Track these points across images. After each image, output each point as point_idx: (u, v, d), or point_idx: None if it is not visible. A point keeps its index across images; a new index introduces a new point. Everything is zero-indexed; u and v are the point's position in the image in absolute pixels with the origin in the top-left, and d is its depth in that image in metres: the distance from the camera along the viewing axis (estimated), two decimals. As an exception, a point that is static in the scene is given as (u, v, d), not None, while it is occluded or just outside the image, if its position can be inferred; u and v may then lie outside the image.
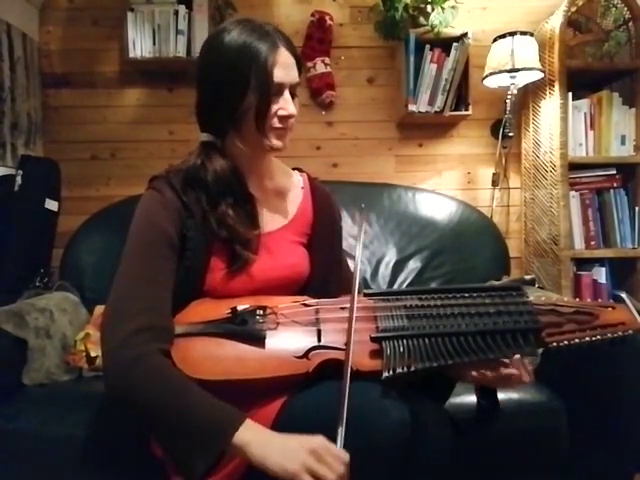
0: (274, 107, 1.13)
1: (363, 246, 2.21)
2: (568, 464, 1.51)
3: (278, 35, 1.13)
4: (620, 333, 1.05)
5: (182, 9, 2.38)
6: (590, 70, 2.42)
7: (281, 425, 0.99)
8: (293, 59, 1.14)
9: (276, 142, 1.18)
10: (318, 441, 0.89)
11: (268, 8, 2.56)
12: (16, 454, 1.47)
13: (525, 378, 1.03)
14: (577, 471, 1.54)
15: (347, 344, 1.00)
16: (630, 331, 1.06)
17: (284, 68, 1.12)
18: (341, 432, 0.89)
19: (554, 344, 1.04)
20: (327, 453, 0.88)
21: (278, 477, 0.88)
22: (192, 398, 0.96)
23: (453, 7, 2.40)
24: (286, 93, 1.13)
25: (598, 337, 1.05)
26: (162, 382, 0.97)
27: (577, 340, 1.05)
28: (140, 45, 2.39)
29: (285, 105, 1.13)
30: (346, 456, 0.88)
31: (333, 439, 0.89)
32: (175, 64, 2.43)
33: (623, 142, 2.39)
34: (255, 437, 0.91)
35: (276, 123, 1.14)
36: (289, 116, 1.14)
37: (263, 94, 1.10)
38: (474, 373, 1.03)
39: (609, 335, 1.05)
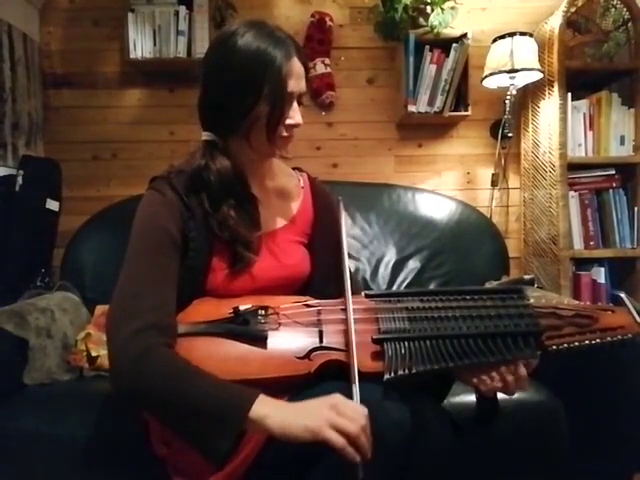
0: (284, 116, 1.13)
1: (363, 246, 2.26)
2: (568, 464, 1.51)
3: (292, 43, 1.14)
4: (619, 337, 1.06)
5: (182, 10, 2.39)
6: (589, 71, 2.42)
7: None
8: (303, 69, 1.15)
9: (285, 151, 1.21)
10: (336, 397, 0.90)
11: (268, 9, 2.56)
12: (16, 454, 1.47)
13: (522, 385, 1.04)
14: (577, 471, 1.54)
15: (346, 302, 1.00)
16: (629, 335, 1.06)
17: (296, 78, 1.13)
18: (355, 390, 0.91)
19: (554, 347, 1.05)
20: (347, 407, 0.88)
21: (301, 441, 0.87)
22: (204, 382, 0.96)
23: (452, 8, 2.39)
24: (294, 103, 1.15)
25: (598, 340, 1.06)
26: (171, 370, 0.97)
27: (577, 343, 1.06)
28: (141, 46, 2.39)
29: (294, 115, 1.15)
30: (364, 410, 0.88)
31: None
32: (176, 65, 2.44)
33: (622, 142, 2.39)
34: (271, 409, 0.91)
35: (283, 132, 1.16)
36: (296, 125, 1.16)
37: (277, 104, 1.11)
38: (474, 380, 1.04)
39: (609, 339, 1.06)
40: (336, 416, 0.87)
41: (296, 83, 1.13)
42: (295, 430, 0.88)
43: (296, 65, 1.13)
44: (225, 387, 0.95)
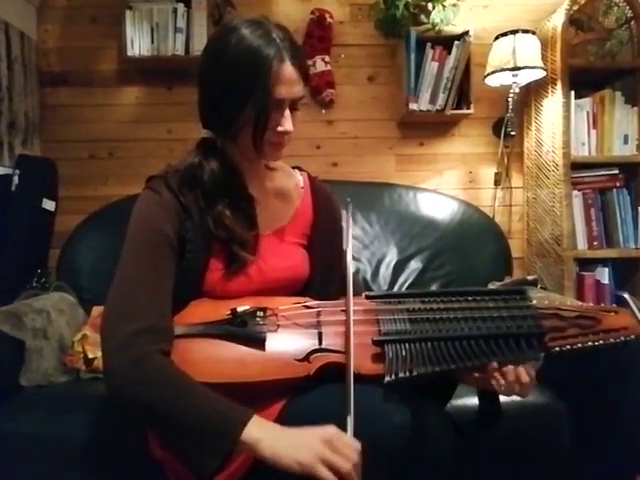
0: (272, 122, 1.10)
1: (363, 246, 2.24)
2: (570, 465, 1.51)
3: (287, 46, 1.08)
4: (622, 338, 1.06)
5: (181, 7, 2.39)
6: (592, 69, 2.42)
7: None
8: (298, 73, 1.10)
9: (271, 159, 1.20)
10: (331, 431, 0.89)
11: (267, 6, 2.55)
12: (14, 455, 1.47)
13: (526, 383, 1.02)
14: (579, 472, 1.54)
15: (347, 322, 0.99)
16: (632, 336, 1.06)
17: (286, 84, 1.08)
18: (350, 421, 0.89)
19: (557, 349, 1.05)
20: (340, 442, 0.87)
21: (291, 472, 0.87)
22: (198, 397, 0.95)
23: (454, 5, 2.40)
24: (286, 109, 1.11)
25: (600, 342, 1.05)
26: (166, 382, 0.97)
27: (580, 345, 1.05)
28: (138, 43, 2.39)
29: (283, 122, 1.11)
30: (358, 445, 0.87)
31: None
32: (174, 62, 2.43)
33: (626, 141, 2.39)
34: (265, 433, 0.91)
35: (272, 137, 1.12)
36: (285, 133, 1.12)
37: (262, 110, 1.08)
38: (476, 376, 1.03)
39: (612, 340, 1.05)
40: (329, 452, 0.86)
41: (287, 89, 1.08)
42: (286, 461, 0.87)
43: (287, 70, 1.08)
44: (218, 405, 0.94)
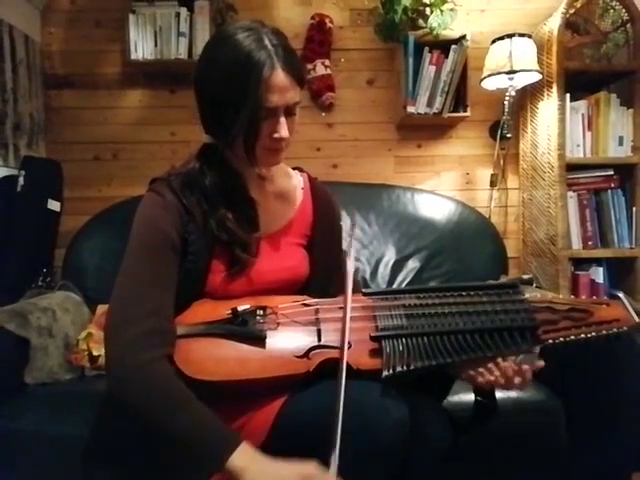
0: (267, 129, 1.10)
1: (362, 246, 2.26)
2: (567, 463, 1.52)
3: (278, 52, 1.07)
4: (615, 330, 1.06)
5: (183, 11, 2.40)
6: (588, 71, 2.41)
7: (281, 425, 1.00)
8: (290, 79, 1.08)
9: (267, 165, 1.20)
10: (311, 468, 0.89)
11: (268, 10, 2.57)
12: (18, 453, 1.48)
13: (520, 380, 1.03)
14: (575, 470, 1.55)
15: (340, 364, 0.99)
16: (625, 327, 1.07)
17: (278, 92, 1.06)
18: (335, 456, 0.89)
19: (550, 341, 1.05)
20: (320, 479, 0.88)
21: None
22: (191, 414, 0.95)
23: (452, 9, 2.40)
24: (280, 116, 1.09)
25: (593, 334, 1.06)
26: (162, 394, 0.97)
27: (572, 337, 1.06)
28: (142, 47, 2.41)
29: (278, 128, 1.10)
30: None
31: (332, 441, 0.89)
32: (176, 66, 2.45)
33: (621, 143, 2.39)
34: (248, 464, 0.91)
35: (267, 143, 1.12)
36: (280, 139, 1.12)
37: (253, 120, 1.07)
38: (471, 372, 1.04)
39: (604, 332, 1.06)
40: None
41: (280, 96, 1.07)
42: None
43: (279, 77, 1.06)
44: (210, 427, 0.95)
